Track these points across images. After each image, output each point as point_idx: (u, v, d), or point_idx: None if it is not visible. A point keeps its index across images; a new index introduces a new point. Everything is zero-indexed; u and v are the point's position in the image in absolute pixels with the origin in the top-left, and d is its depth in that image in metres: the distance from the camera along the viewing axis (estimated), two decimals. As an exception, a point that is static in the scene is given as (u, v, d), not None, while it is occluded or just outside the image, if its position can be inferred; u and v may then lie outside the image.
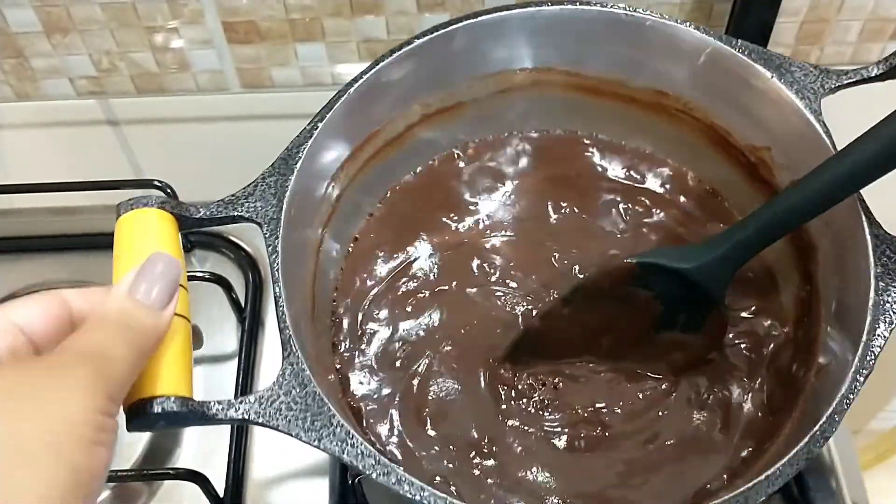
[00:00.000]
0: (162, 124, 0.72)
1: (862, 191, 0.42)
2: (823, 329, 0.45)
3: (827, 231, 0.46)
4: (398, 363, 0.49)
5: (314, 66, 0.67)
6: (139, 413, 0.34)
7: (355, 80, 0.47)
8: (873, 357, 0.39)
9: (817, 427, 0.38)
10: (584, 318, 0.48)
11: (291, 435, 0.36)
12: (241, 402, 0.36)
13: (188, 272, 0.60)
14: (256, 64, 0.67)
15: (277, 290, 0.41)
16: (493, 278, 0.51)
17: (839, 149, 0.42)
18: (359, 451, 0.36)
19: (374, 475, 0.36)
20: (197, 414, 0.35)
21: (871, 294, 0.40)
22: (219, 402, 0.36)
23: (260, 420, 0.36)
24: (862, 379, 0.39)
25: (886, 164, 0.39)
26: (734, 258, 0.45)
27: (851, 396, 0.38)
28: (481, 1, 0.62)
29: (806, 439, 0.38)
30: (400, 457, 0.46)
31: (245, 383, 0.59)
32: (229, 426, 0.57)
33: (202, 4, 0.63)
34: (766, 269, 0.51)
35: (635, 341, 0.48)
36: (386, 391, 0.48)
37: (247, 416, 0.36)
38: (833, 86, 0.46)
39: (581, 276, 0.51)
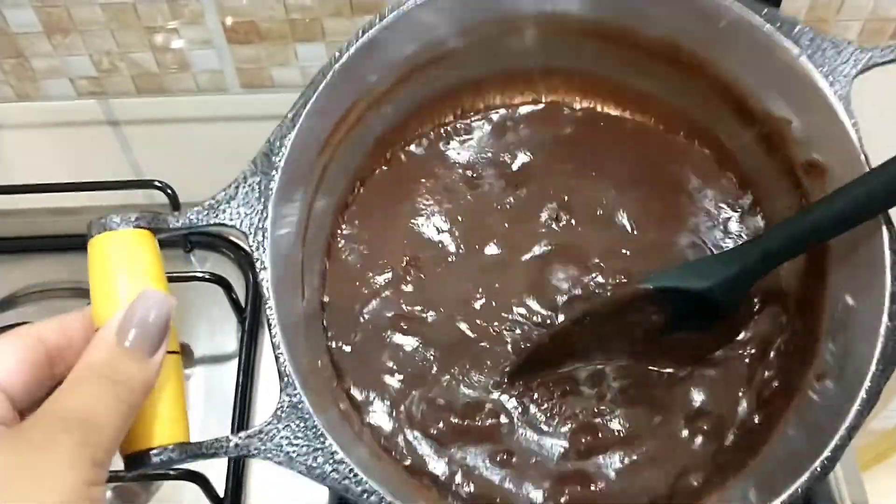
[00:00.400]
0: (162, 124, 0.72)
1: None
2: (824, 338, 0.44)
3: (843, 240, 0.44)
4: (399, 372, 0.47)
5: (314, 67, 0.67)
6: (137, 463, 0.33)
7: (335, 59, 0.43)
8: (878, 390, 0.38)
9: (818, 461, 0.37)
10: (592, 334, 0.47)
11: (295, 471, 0.36)
12: (240, 439, 0.36)
13: (188, 272, 0.61)
14: (256, 64, 0.67)
15: (270, 312, 0.38)
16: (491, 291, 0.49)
17: (862, 141, 0.40)
18: (363, 489, 0.36)
19: None
20: (197, 456, 0.35)
21: (885, 318, 0.38)
22: (218, 441, 0.35)
23: (261, 456, 0.36)
24: (867, 412, 0.38)
25: None
26: (754, 272, 0.43)
27: (855, 429, 0.37)
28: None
29: (805, 476, 0.37)
30: (404, 449, 0.45)
31: (245, 383, 0.59)
32: (230, 426, 0.57)
33: (202, 5, 0.63)
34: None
35: (644, 344, 0.47)
36: (387, 401, 0.46)
37: (247, 453, 0.35)
38: (867, 65, 0.42)
39: (591, 300, 0.49)
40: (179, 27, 0.64)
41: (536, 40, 0.50)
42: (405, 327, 0.48)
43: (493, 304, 0.48)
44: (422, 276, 0.49)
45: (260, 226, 0.39)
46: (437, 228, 0.50)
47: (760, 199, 0.50)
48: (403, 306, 0.48)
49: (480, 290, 0.49)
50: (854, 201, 0.39)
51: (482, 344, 0.48)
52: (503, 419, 0.46)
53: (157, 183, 0.63)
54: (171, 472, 0.53)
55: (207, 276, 0.60)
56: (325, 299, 0.48)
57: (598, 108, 0.53)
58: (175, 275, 0.60)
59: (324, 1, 0.62)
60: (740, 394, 0.46)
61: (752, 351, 0.47)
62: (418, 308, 0.48)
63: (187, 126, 0.72)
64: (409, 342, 0.47)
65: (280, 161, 0.40)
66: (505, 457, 0.45)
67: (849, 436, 0.37)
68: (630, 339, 0.47)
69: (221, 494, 0.53)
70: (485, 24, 0.48)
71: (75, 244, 0.67)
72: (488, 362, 0.47)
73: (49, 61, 0.67)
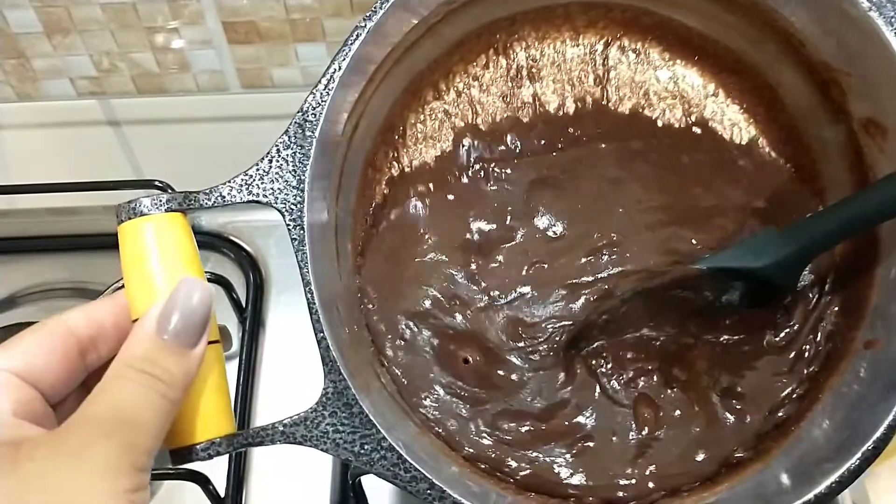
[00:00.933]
0: (162, 124, 0.72)
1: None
2: (872, 307, 0.42)
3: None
4: (441, 349, 0.45)
5: (315, 67, 0.67)
6: (185, 457, 0.33)
7: (370, 15, 0.41)
8: None
9: (871, 442, 0.37)
10: (643, 311, 0.46)
11: (341, 459, 0.35)
12: (285, 426, 0.35)
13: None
14: (257, 64, 0.67)
15: (310, 295, 0.36)
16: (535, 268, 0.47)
17: None
18: (411, 476, 0.35)
19: (428, 499, 0.35)
20: (244, 445, 0.34)
21: None
22: (263, 430, 0.35)
23: (308, 444, 0.35)
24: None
25: None
26: (812, 250, 0.42)
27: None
28: None
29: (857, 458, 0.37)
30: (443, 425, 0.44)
31: (246, 383, 0.59)
32: (233, 404, 0.57)
33: (202, 5, 0.63)
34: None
35: (697, 318, 0.46)
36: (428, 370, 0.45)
37: (293, 440, 0.35)
38: None
39: (643, 279, 0.47)
40: (180, 27, 0.64)
41: None
42: (448, 307, 0.46)
43: (545, 285, 0.47)
44: (471, 256, 0.47)
45: (295, 202, 0.37)
46: (485, 211, 0.48)
47: (816, 160, 0.48)
48: (448, 287, 0.46)
49: (532, 269, 0.47)
50: None
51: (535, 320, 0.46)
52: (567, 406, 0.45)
53: (157, 183, 0.63)
54: (173, 472, 0.53)
55: (208, 276, 0.60)
56: (360, 278, 0.46)
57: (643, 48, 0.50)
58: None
59: (324, 1, 0.62)
60: (786, 368, 0.45)
61: (798, 324, 0.46)
62: (466, 290, 0.46)
63: (187, 126, 0.72)
64: (449, 322, 0.46)
65: (315, 133, 0.38)
66: (579, 444, 0.44)
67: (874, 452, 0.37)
68: (683, 315, 0.46)
69: (222, 494, 0.53)
70: None
71: (75, 244, 0.68)
72: (541, 336, 0.46)
73: (49, 61, 0.67)
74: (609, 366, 0.46)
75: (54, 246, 0.68)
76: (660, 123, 0.49)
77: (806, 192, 0.47)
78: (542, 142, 0.49)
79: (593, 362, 0.46)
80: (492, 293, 0.46)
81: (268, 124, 0.71)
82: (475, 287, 0.47)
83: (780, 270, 0.43)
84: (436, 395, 0.44)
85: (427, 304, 0.45)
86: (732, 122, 0.50)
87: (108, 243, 0.67)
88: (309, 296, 0.36)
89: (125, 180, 0.66)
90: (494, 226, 0.48)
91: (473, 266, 0.47)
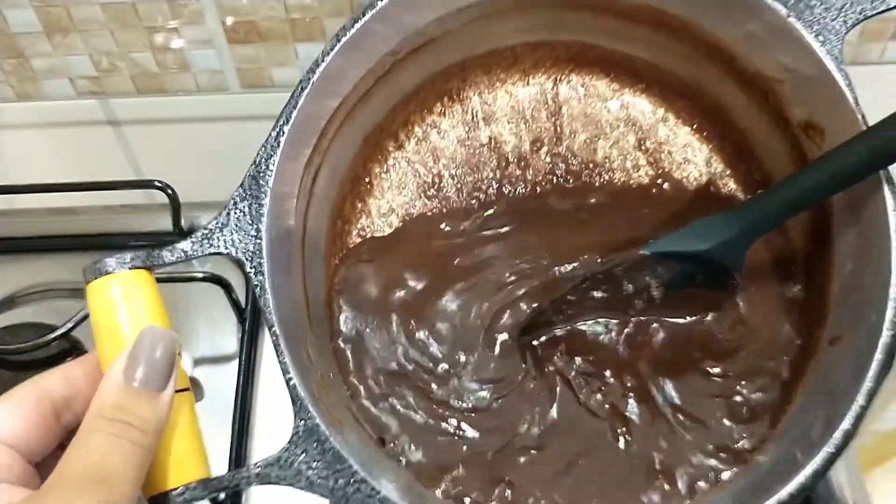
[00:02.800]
0: (162, 124, 0.72)
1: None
2: (835, 296, 0.43)
3: (846, 205, 0.43)
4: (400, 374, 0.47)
5: (314, 67, 0.67)
6: None
7: (314, 67, 0.43)
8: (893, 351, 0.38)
9: (839, 431, 0.37)
10: (594, 297, 0.47)
11: (318, 494, 0.36)
12: (260, 468, 0.36)
13: (188, 272, 0.61)
14: (256, 64, 0.67)
15: (275, 337, 0.38)
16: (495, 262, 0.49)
17: (858, 100, 0.40)
18: None
19: None
20: (220, 490, 0.35)
21: (893, 279, 0.38)
22: (238, 473, 0.35)
23: (283, 483, 0.36)
24: (884, 374, 0.38)
25: None
26: (755, 231, 0.43)
27: (873, 395, 0.37)
28: None
29: (822, 452, 0.37)
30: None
31: (245, 384, 0.59)
32: (230, 427, 0.57)
33: (202, 4, 0.62)
34: (785, 236, 0.49)
35: (651, 301, 0.47)
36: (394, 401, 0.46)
37: (269, 481, 0.36)
38: (857, 18, 0.42)
39: (589, 266, 0.48)
40: (179, 27, 0.64)
41: (518, 16, 0.49)
42: (413, 327, 0.47)
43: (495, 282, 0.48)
44: (426, 279, 0.48)
45: (255, 251, 0.39)
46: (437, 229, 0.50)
47: (761, 162, 0.49)
48: (409, 318, 0.48)
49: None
50: (854, 158, 0.39)
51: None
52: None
53: (157, 183, 0.62)
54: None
55: (208, 277, 0.60)
56: (335, 309, 0.47)
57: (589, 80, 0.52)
58: (175, 275, 0.60)
59: (324, 1, 0.62)
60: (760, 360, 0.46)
61: (766, 316, 0.47)
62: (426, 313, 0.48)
63: (187, 126, 0.72)
64: (419, 341, 0.47)
65: (268, 183, 0.40)
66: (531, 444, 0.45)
67: (869, 398, 0.37)
68: (636, 298, 0.47)
69: (221, 496, 0.53)
70: (464, 9, 0.47)
71: (75, 244, 0.68)
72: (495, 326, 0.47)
73: (49, 61, 0.67)
74: (571, 366, 0.46)
75: (54, 246, 0.68)
76: (617, 174, 0.51)
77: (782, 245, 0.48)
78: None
79: (551, 358, 0.47)
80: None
81: (268, 124, 0.71)
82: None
83: (725, 251, 0.44)
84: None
85: (394, 366, 0.46)
86: (685, 143, 0.51)
87: (107, 243, 0.67)
88: (274, 338, 0.38)
89: (125, 180, 0.66)
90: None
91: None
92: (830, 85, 0.42)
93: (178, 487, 0.34)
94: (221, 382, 0.60)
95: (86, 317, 0.55)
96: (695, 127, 0.51)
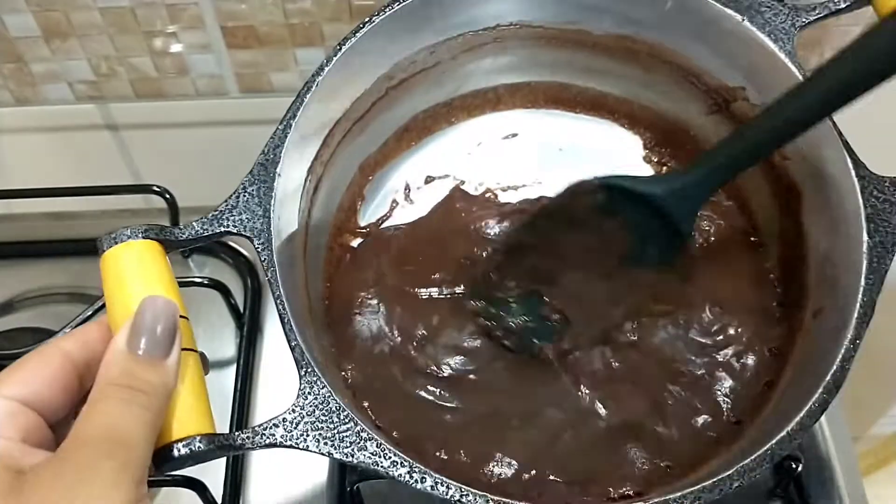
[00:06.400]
0: (161, 129, 0.72)
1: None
2: (812, 274, 0.45)
3: (810, 175, 0.46)
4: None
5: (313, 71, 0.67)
6: (166, 458, 0.33)
7: (321, 68, 0.46)
8: (873, 302, 0.40)
9: (829, 375, 0.38)
10: (553, 247, 0.48)
11: (324, 454, 0.36)
12: (265, 429, 0.36)
13: (187, 277, 0.61)
14: (255, 69, 0.67)
15: (281, 307, 0.40)
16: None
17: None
18: (392, 461, 0.36)
19: (410, 482, 0.36)
20: (224, 448, 0.35)
21: (864, 237, 0.41)
22: (244, 433, 0.36)
23: (289, 443, 0.36)
24: (866, 323, 0.39)
25: (858, 87, 0.38)
26: (704, 185, 0.44)
27: (858, 342, 0.39)
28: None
29: (819, 390, 0.38)
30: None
31: (244, 389, 0.59)
32: (229, 424, 0.57)
33: (201, 9, 0.62)
34: (749, 217, 0.52)
35: (605, 275, 0.48)
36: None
37: (274, 442, 0.36)
38: (804, 22, 0.45)
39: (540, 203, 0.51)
40: (178, 31, 0.64)
41: (498, 51, 0.53)
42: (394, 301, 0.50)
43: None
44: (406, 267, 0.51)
45: (263, 228, 0.41)
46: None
47: (749, 197, 0.52)
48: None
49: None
50: (796, 108, 0.40)
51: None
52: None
53: (155, 188, 0.62)
54: (170, 479, 0.53)
55: (206, 282, 0.60)
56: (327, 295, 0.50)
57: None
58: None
59: (323, 5, 0.62)
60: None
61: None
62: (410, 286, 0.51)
63: (186, 130, 0.72)
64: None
65: (276, 169, 0.42)
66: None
67: (853, 347, 0.39)
68: (589, 264, 0.48)
69: (219, 501, 0.53)
70: (443, 45, 0.51)
71: (74, 249, 0.68)
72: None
73: (48, 66, 0.67)
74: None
75: (53, 251, 0.68)
76: None
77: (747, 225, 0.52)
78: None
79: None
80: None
81: (267, 129, 0.71)
82: None
83: (676, 202, 0.45)
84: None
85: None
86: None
87: (106, 248, 0.67)
88: (280, 307, 0.39)
89: (124, 185, 0.66)
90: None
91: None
92: (788, 80, 0.44)
93: (182, 439, 0.33)
94: (220, 387, 0.60)
95: (85, 321, 0.55)
96: (672, 153, 0.55)
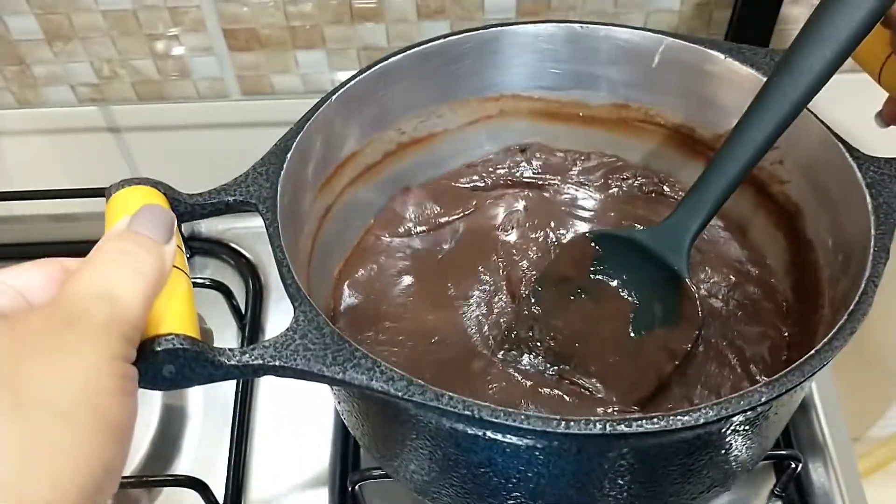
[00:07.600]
0: (162, 131, 0.72)
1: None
2: (825, 273, 0.46)
3: (811, 189, 0.47)
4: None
5: (315, 74, 0.67)
6: (144, 356, 0.32)
7: (349, 80, 0.48)
8: (886, 247, 0.40)
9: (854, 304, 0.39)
10: (557, 320, 0.48)
11: (313, 372, 0.35)
12: (254, 349, 0.35)
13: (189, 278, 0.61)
14: (257, 71, 0.67)
15: (279, 253, 0.40)
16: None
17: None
18: (389, 376, 0.35)
19: (409, 395, 0.34)
20: (207, 358, 0.33)
21: (868, 199, 0.42)
22: (230, 349, 0.35)
23: (277, 363, 0.35)
24: (883, 262, 0.40)
25: (798, 109, 0.42)
26: (690, 220, 0.46)
27: (875, 280, 0.39)
28: (481, 8, 0.63)
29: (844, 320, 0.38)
30: None
31: (245, 390, 0.59)
32: (229, 433, 0.57)
33: (203, 12, 0.63)
34: (750, 244, 0.53)
35: (615, 346, 0.48)
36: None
37: (262, 361, 0.35)
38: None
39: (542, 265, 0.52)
40: (180, 34, 0.64)
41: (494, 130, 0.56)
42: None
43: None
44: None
45: (268, 196, 0.42)
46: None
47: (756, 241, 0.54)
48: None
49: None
50: (756, 120, 0.43)
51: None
52: None
53: (157, 189, 0.63)
54: (171, 479, 0.53)
55: (208, 283, 0.60)
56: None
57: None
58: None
59: (324, 8, 0.62)
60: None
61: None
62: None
63: (188, 133, 0.72)
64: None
65: (288, 155, 0.44)
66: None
67: (874, 284, 0.39)
68: (597, 337, 0.48)
69: (221, 501, 0.53)
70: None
71: (76, 251, 0.67)
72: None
73: (50, 68, 0.67)
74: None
75: (54, 252, 0.65)
76: None
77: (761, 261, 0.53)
78: None
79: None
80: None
81: (268, 131, 0.71)
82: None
83: (664, 242, 0.46)
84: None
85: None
86: None
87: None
88: (279, 253, 0.40)
89: (125, 187, 0.66)
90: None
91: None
92: None
93: (165, 334, 0.32)
94: (221, 389, 0.60)
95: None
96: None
